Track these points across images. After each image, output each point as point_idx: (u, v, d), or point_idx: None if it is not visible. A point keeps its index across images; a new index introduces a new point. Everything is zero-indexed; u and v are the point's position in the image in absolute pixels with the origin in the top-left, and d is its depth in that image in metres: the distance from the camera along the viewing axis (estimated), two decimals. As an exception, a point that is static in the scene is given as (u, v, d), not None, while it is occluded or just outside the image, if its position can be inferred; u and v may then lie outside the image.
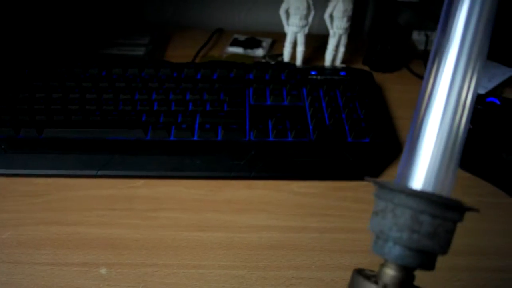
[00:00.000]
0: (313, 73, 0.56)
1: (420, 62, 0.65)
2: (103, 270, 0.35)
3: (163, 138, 0.46)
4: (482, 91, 0.58)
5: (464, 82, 0.19)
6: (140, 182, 0.43)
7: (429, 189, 0.19)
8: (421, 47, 0.70)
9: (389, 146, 0.47)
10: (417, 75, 0.62)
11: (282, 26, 0.59)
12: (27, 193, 0.42)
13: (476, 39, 0.19)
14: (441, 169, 0.19)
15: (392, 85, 0.60)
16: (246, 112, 0.50)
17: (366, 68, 0.63)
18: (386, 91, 0.59)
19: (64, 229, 0.39)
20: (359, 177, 0.44)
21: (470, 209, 0.19)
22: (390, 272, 0.20)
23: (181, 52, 0.66)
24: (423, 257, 0.19)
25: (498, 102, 0.53)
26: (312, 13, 0.57)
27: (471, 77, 0.19)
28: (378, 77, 0.59)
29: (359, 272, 0.21)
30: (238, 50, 0.66)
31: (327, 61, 0.61)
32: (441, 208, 0.18)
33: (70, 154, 0.44)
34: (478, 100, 0.54)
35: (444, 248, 0.19)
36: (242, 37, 0.69)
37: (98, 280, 0.34)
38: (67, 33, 0.68)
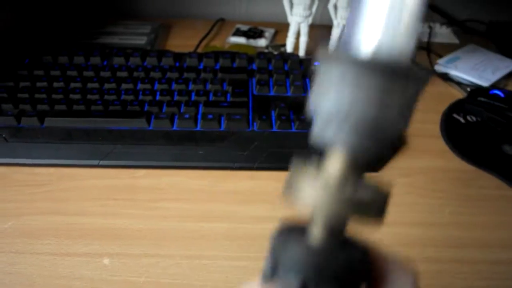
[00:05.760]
0: (316, 63, 0.56)
1: (423, 53, 0.64)
2: (106, 260, 0.35)
3: (166, 128, 0.45)
4: (485, 83, 0.57)
5: None
6: (143, 172, 0.43)
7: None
8: (424, 38, 0.69)
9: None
10: (421, 67, 0.62)
11: (285, 17, 0.59)
12: (28, 182, 0.42)
13: None
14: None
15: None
16: (250, 103, 0.49)
17: (369, 59, 0.63)
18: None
19: (66, 219, 0.38)
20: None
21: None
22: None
23: (182, 42, 0.65)
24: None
25: (502, 94, 0.53)
26: (316, 2, 0.56)
27: None
28: (382, 68, 0.59)
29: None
30: (241, 40, 0.66)
31: (330, 52, 0.60)
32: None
33: (72, 143, 0.44)
34: (482, 92, 0.53)
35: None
36: (244, 27, 0.68)
37: (101, 270, 0.34)
38: (68, 22, 0.68)
